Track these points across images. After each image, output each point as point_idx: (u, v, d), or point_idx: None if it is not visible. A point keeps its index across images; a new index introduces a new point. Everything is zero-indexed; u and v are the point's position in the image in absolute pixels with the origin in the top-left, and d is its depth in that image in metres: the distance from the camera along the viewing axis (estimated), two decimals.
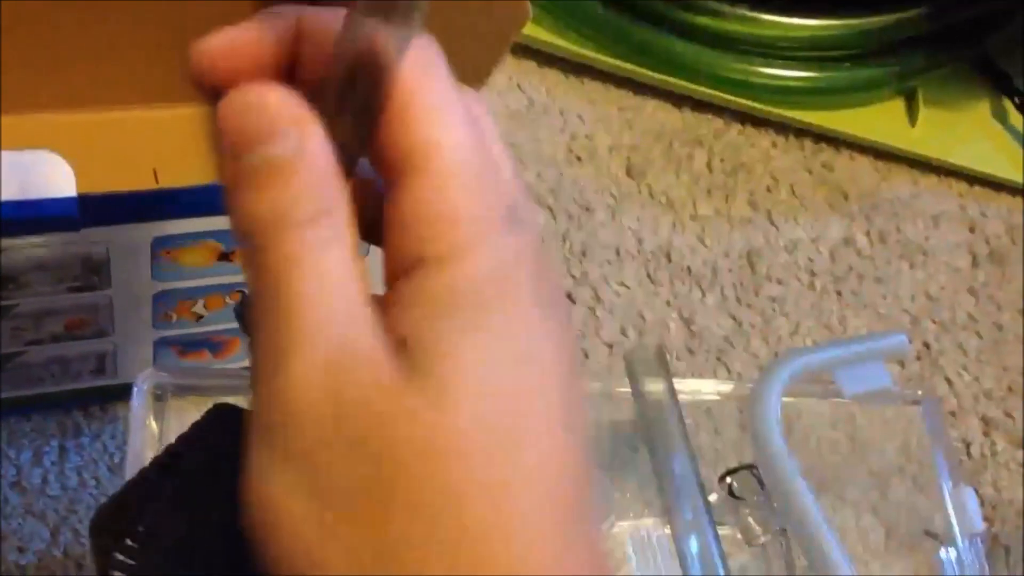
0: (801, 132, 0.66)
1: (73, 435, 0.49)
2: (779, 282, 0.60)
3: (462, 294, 0.23)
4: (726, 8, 0.63)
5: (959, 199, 0.65)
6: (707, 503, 0.44)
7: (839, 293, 0.60)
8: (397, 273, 0.24)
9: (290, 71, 0.25)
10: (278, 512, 0.23)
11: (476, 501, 0.22)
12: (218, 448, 0.29)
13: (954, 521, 0.47)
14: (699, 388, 0.49)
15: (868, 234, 0.63)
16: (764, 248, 0.61)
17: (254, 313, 0.24)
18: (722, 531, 0.44)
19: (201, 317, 0.46)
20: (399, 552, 0.22)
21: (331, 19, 0.24)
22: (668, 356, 0.55)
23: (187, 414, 0.42)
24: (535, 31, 0.63)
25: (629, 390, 0.47)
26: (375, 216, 0.24)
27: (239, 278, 0.44)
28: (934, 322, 0.60)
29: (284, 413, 0.23)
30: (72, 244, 0.40)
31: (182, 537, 0.28)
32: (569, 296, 0.57)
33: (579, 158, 0.62)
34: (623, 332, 0.57)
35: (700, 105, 0.65)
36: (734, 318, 0.58)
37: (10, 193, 0.37)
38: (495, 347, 0.23)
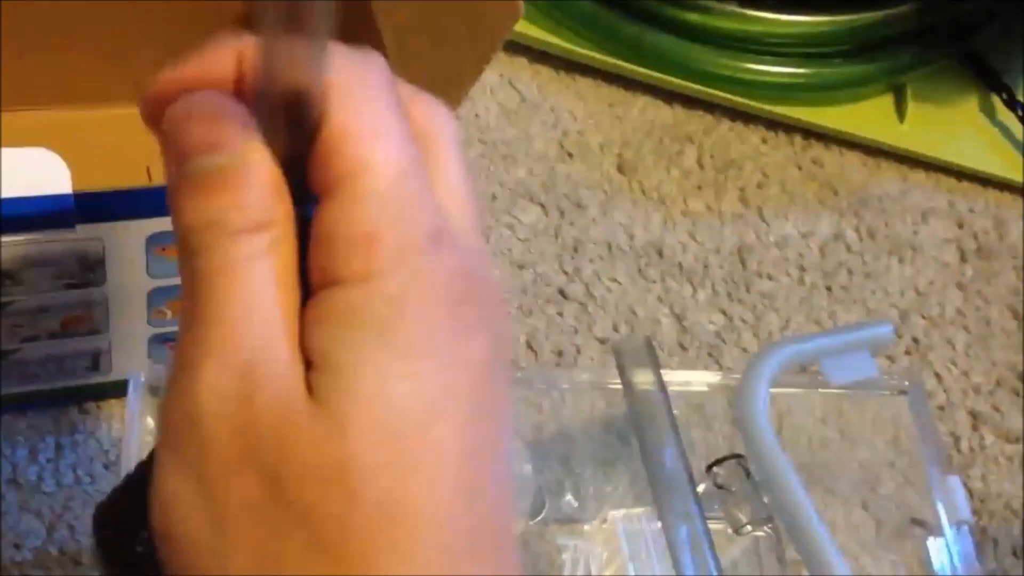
0: (791, 128, 0.66)
1: (68, 432, 0.49)
2: (769, 278, 0.60)
3: (369, 314, 0.23)
4: (716, 5, 0.63)
5: (948, 195, 0.66)
6: (697, 495, 0.44)
7: (829, 288, 0.61)
8: (315, 289, 0.24)
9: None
10: (177, 518, 0.23)
11: (364, 531, 0.22)
12: None
13: (941, 510, 0.48)
14: (689, 380, 0.50)
15: (857, 230, 0.63)
16: (755, 244, 0.61)
17: (180, 319, 0.24)
18: (713, 523, 0.45)
19: None
20: (285, 572, 0.22)
21: None
22: (659, 351, 0.56)
23: None
24: (527, 28, 0.63)
25: (620, 384, 0.47)
26: None
27: None
28: (923, 317, 0.61)
29: (187, 419, 0.23)
30: (68, 241, 0.40)
31: None
32: (561, 292, 0.57)
33: (570, 154, 0.62)
34: (615, 328, 0.57)
35: (690, 101, 0.65)
36: (725, 314, 0.59)
37: (6, 190, 0.37)
38: (397, 370, 0.23)
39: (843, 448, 0.52)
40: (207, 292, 0.23)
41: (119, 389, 0.46)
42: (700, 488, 0.47)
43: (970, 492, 0.55)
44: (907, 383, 0.51)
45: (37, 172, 0.37)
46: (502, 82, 0.64)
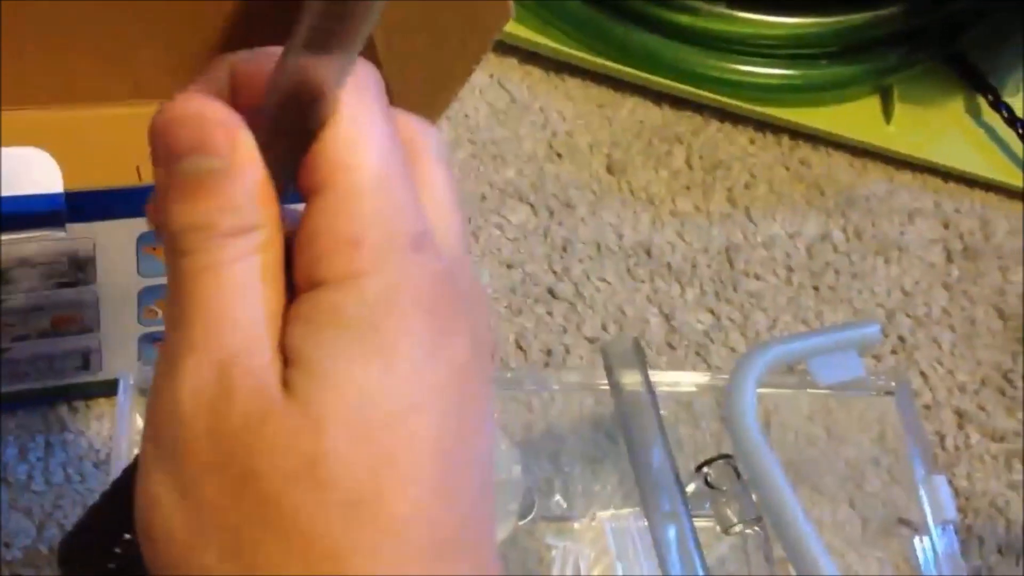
0: (779, 129, 0.66)
1: (59, 431, 0.49)
2: (757, 277, 0.61)
3: (348, 315, 0.23)
4: (705, 6, 0.63)
5: (934, 195, 0.66)
6: (684, 494, 0.44)
7: (816, 288, 0.61)
8: (300, 291, 0.24)
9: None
10: (158, 516, 0.23)
11: (335, 529, 0.22)
12: None
13: (927, 508, 0.48)
14: (678, 380, 0.50)
15: (844, 230, 0.63)
16: (742, 244, 0.62)
17: (165, 319, 0.24)
18: (700, 523, 0.45)
19: None
20: (255, 572, 0.22)
21: (264, 61, 0.24)
22: (647, 351, 0.56)
23: None
24: (517, 29, 0.64)
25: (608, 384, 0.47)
26: None
27: None
28: (909, 317, 0.61)
29: (167, 415, 0.23)
30: (58, 240, 0.40)
31: None
32: (550, 292, 0.58)
33: (560, 155, 0.63)
34: (604, 327, 0.57)
35: (679, 102, 0.66)
36: (713, 313, 0.59)
37: None
38: (374, 368, 0.23)
39: (830, 447, 0.53)
40: (192, 292, 0.23)
41: (109, 388, 0.46)
42: (690, 487, 0.47)
43: (955, 491, 0.55)
44: (893, 382, 0.52)
45: (28, 171, 0.37)
46: (492, 82, 0.64)
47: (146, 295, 0.45)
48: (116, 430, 0.44)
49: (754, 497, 0.46)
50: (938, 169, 0.67)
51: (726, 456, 0.47)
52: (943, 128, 0.68)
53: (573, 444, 0.50)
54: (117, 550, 0.27)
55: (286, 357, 0.23)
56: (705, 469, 0.47)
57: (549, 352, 0.56)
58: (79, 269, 0.42)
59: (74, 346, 0.46)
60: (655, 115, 0.65)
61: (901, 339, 0.60)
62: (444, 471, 0.23)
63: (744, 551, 0.47)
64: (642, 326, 0.58)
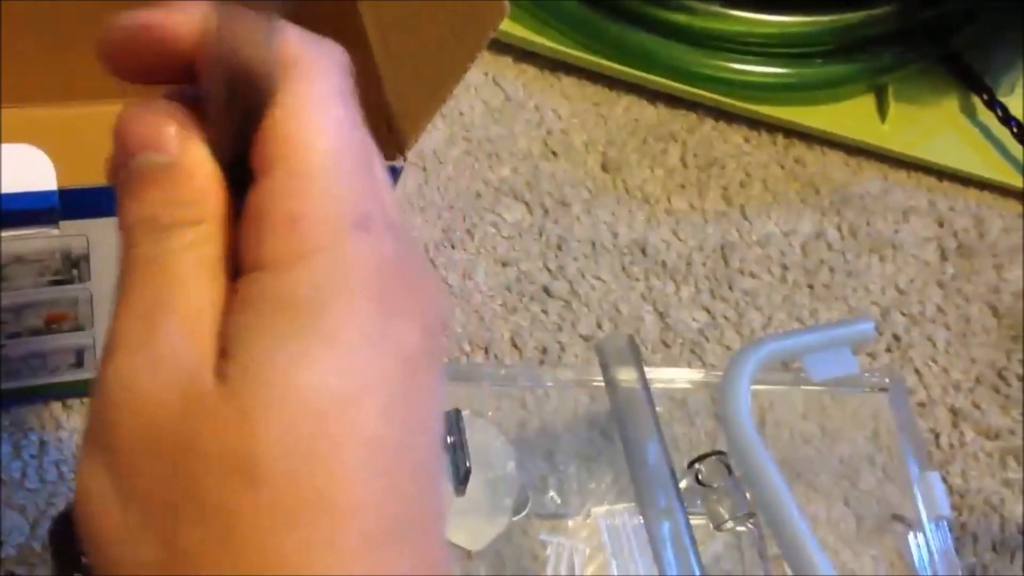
0: (773, 128, 0.66)
1: (53, 428, 0.49)
2: (752, 275, 0.61)
3: (289, 301, 0.22)
4: (699, 5, 0.64)
5: (928, 194, 0.66)
6: (679, 491, 0.44)
7: (811, 286, 0.61)
8: (243, 274, 0.23)
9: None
10: (93, 510, 0.23)
11: (267, 523, 0.21)
12: None
13: (921, 505, 0.48)
14: (673, 377, 0.50)
15: (839, 228, 0.64)
16: (737, 242, 0.62)
17: (113, 305, 0.24)
18: (695, 519, 0.45)
19: None
20: (187, 567, 0.22)
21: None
22: (642, 348, 0.56)
23: None
24: (512, 27, 0.64)
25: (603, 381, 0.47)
26: None
27: None
28: (903, 315, 0.61)
29: (103, 404, 0.23)
30: (52, 237, 0.40)
31: None
32: (545, 290, 0.58)
33: (555, 153, 0.63)
34: (599, 325, 0.57)
35: (674, 101, 0.66)
36: (708, 311, 0.59)
37: None
38: (314, 357, 0.22)
39: (824, 444, 0.53)
40: (133, 283, 0.23)
41: None
42: (682, 484, 0.47)
43: (950, 488, 0.55)
44: (888, 380, 0.52)
45: (22, 168, 0.37)
46: (487, 81, 0.64)
47: None
48: None
49: (748, 494, 0.47)
50: (932, 168, 0.67)
51: (718, 452, 0.47)
52: (937, 127, 0.69)
53: (568, 441, 0.50)
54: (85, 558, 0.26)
55: (223, 347, 0.23)
56: (697, 466, 0.47)
57: (544, 350, 0.56)
58: (73, 266, 0.42)
59: (68, 344, 0.46)
60: (650, 113, 0.65)
61: (896, 337, 0.60)
62: (387, 465, 0.22)
63: (739, 548, 0.47)
64: (637, 324, 0.58)
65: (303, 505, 0.21)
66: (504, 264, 0.58)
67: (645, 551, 0.45)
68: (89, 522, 0.23)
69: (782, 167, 0.65)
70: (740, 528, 0.47)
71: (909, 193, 0.66)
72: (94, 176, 0.39)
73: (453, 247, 0.58)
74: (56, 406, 0.50)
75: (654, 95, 0.66)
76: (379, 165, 0.25)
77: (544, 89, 0.65)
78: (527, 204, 0.60)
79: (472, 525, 0.46)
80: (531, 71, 0.65)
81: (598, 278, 0.59)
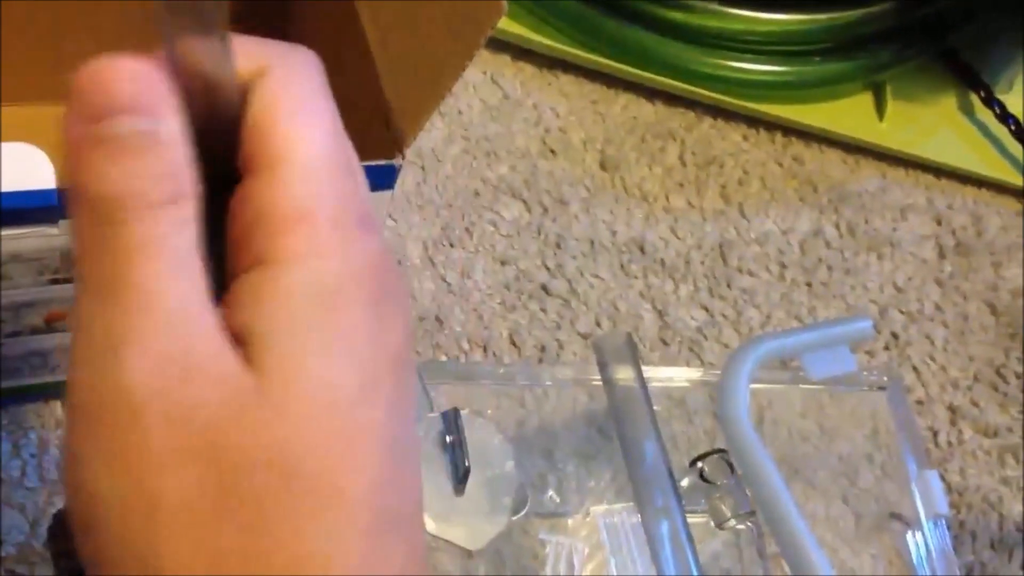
0: (772, 126, 0.66)
1: (52, 427, 0.49)
2: (750, 274, 0.61)
3: (311, 295, 0.22)
4: (697, 3, 0.64)
5: (926, 192, 0.67)
6: (677, 489, 0.44)
7: (809, 284, 0.61)
8: (237, 271, 0.23)
9: None
10: (103, 513, 0.22)
11: (298, 512, 0.22)
12: None
13: (919, 504, 0.48)
14: (671, 376, 0.50)
15: (837, 226, 0.64)
16: (735, 240, 0.62)
17: (84, 292, 0.23)
18: (693, 518, 0.45)
19: None
20: (231, 561, 0.22)
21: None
22: (641, 346, 0.56)
23: None
24: (510, 25, 0.64)
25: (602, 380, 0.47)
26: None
27: None
28: (901, 312, 0.61)
29: (115, 407, 0.22)
30: (51, 236, 0.40)
31: None
32: (543, 288, 0.58)
33: (553, 151, 0.63)
34: (597, 323, 0.57)
35: (672, 99, 0.66)
36: (706, 309, 0.59)
37: None
38: (337, 353, 0.22)
39: (823, 442, 0.53)
40: (127, 272, 0.22)
41: None
42: (684, 482, 0.47)
43: (948, 486, 0.55)
44: (886, 378, 0.52)
45: (22, 167, 0.37)
46: (485, 79, 0.64)
47: None
48: None
49: (748, 492, 0.47)
50: (930, 165, 0.67)
51: (720, 451, 0.47)
52: (936, 125, 0.69)
53: (566, 440, 0.50)
54: None
55: (236, 341, 0.22)
56: (700, 463, 0.47)
57: (542, 348, 0.56)
58: (72, 265, 0.42)
59: (68, 342, 0.46)
60: (648, 112, 0.65)
61: (894, 335, 0.60)
62: (391, 458, 0.23)
63: (737, 546, 0.48)
64: (635, 322, 0.58)
65: (325, 496, 0.22)
66: (503, 262, 0.58)
67: (644, 550, 0.45)
68: (98, 531, 0.22)
69: (780, 165, 0.65)
70: (739, 526, 0.47)
71: (907, 191, 0.66)
72: None
73: (452, 245, 0.58)
74: (56, 405, 0.50)
75: (652, 93, 0.66)
76: (357, 162, 0.25)
77: (542, 87, 0.65)
78: (525, 202, 0.60)
79: (471, 524, 0.46)
80: (529, 69, 0.65)
81: (596, 276, 0.59)
